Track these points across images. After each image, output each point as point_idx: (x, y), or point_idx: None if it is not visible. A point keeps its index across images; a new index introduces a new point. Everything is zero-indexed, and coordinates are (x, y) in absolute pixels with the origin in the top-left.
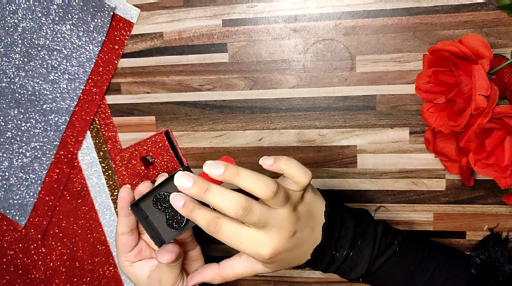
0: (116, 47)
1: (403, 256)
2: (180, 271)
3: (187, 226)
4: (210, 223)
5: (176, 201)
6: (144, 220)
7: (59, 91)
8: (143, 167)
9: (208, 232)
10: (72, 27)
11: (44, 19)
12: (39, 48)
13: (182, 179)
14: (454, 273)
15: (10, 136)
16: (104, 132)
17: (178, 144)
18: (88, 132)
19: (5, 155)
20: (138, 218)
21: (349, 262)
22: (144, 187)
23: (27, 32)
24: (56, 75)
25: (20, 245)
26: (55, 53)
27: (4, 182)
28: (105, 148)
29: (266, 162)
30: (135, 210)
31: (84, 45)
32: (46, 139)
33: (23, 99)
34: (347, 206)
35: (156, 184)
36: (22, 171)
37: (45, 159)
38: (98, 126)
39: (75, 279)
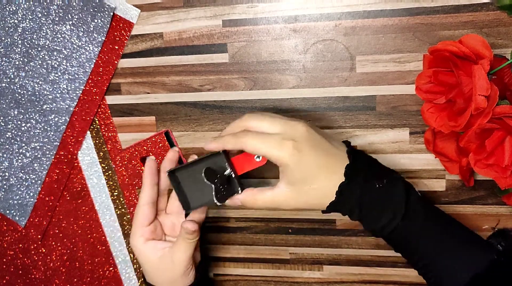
0: (116, 47)
1: (422, 211)
2: (193, 256)
3: (220, 202)
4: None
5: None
6: (176, 187)
7: (59, 92)
8: (143, 167)
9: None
10: (72, 27)
11: (44, 19)
12: (39, 49)
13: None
14: (475, 256)
15: (10, 136)
16: (104, 133)
17: (178, 144)
18: (88, 132)
19: (5, 155)
20: (172, 183)
21: (387, 184)
22: (171, 154)
23: (27, 33)
24: (56, 75)
25: (20, 245)
26: (55, 53)
27: (4, 182)
28: (105, 149)
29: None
30: (171, 177)
31: (84, 45)
32: (46, 139)
33: (23, 99)
34: None
35: (193, 160)
36: (22, 171)
37: (45, 159)
38: (98, 126)
39: (75, 280)
